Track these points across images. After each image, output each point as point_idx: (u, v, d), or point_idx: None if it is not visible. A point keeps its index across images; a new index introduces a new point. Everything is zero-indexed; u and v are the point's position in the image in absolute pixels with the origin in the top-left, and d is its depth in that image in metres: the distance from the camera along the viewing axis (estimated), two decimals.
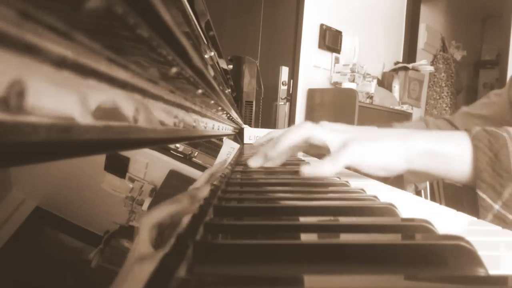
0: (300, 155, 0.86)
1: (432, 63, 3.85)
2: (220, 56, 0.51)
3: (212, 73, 0.40)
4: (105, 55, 0.13)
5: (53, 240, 0.22)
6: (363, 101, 2.50)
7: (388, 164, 0.45)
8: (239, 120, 1.08)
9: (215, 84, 0.41)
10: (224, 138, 0.74)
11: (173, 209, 0.26)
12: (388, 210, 0.28)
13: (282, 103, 2.30)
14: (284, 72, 2.30)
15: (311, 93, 2.61)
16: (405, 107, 2.97)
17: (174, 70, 0.22)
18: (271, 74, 2.27)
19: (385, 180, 0.51)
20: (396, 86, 3.15)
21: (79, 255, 0.23)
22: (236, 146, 0.78)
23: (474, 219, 0.29)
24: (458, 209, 0.33)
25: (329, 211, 0.28)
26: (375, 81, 2.70)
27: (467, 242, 0.18)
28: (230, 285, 0.16)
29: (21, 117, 0.08)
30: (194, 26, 0.27)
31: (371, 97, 2.61)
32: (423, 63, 3.28)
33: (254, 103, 1.54)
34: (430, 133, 0.47)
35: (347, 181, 0.43)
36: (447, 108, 3.80)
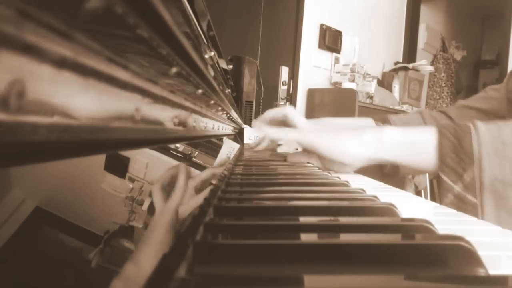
0: None
1: (432, 63, 3.85)
2: (220, 56, 0.51)
3: (212, 73, 0.40)
4: (105, 55, 0.13)
5: (53, 240, 0.22)
6: (363, 101, 2.50)
7: (346, 152, 0.51)
8: (239, 120, 1.08)
9: (215, 84, 0.41)
10: (224, 138, 0.74)
11: (173, 171, 0.32)
12: (388, 210, 0.28)
13: (282, 103, 2.30)
14: (284, 72, 2.30)
15: (311, 93, 2.61)
16: (405, 107, 2.96)
17: (174, 70, 0.22)
18: (271, 74, 2.27)
19: (385, 180, 0.52)
20: (396, 86, 3.15)
21: (79, 255, 0.23)
22: (236, 146, 0.78)
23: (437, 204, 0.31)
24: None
25: (329, 211, 0.28)
26: (375, 81, 2.70)
27: (467, 242, 0.18)
28: (230, 285, 0.16)
29: (21, 117, 0.08)
30: (194, 26, 0.27)
31: (371, 97, 2.61)
32: (423, 63, 3.28)
33: (254, 103, 1.54)
34: (397, 127, 0.52)
35: (347, 181, 0.43)
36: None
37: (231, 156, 0.65)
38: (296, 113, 0.62)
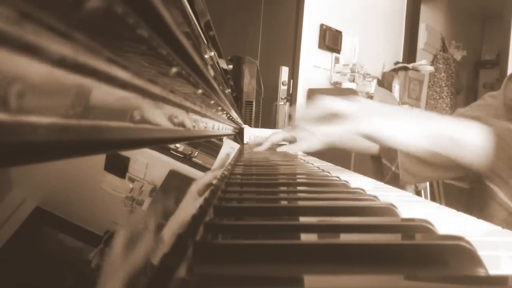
0: (300, 155, 0.86)
1: (432, 63, 3.85)
2: (220, 56, 0.51)
3: (212, 73, 0.40)
4: (105, 55, 0.13)
5: (53, 240, 0.22)
6: None
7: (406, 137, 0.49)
8: (239, 120, 1.08)
9: (215, 84, 0.41)
10: (224, 138, 0.74)
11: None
12: (388, 210, 0.28)
13: (282, 103, 2.29)
14: (284, 72, 2.30)
15: (311, 93, 2.61)
16: (405, 107, 2.96)
17: (174, 70, 0.22)
18: (271, 74, 2.27)
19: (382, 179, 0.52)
20: (396, 86, 3.15)
21: (79, 255, 0.23)
22: (236, 146, 0.78)
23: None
24: (458, 209, 0.33)
25: (329, 211, 0.28)
26: (375, 81, 2.70)
27: (467, 242, 0.18)
28: (230, 285, 0.16)
29: (21, 117, 0.08)
30: (194, 26, 0.27)
31: (371, 97, 2.61)
32: (423, 63, 3.28)
33: (254, 103, 1.54)
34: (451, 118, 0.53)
35: (347, 181, 0.43)
36: (447, 108, 3.80)
37: (231, 156, 0.65)
38: (337, 100, 0.53)
